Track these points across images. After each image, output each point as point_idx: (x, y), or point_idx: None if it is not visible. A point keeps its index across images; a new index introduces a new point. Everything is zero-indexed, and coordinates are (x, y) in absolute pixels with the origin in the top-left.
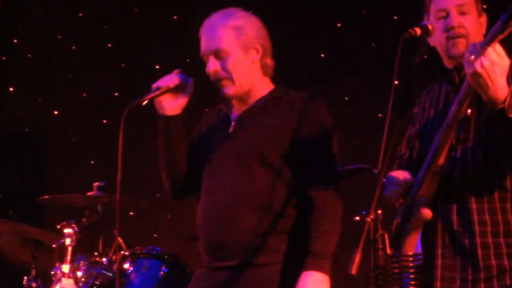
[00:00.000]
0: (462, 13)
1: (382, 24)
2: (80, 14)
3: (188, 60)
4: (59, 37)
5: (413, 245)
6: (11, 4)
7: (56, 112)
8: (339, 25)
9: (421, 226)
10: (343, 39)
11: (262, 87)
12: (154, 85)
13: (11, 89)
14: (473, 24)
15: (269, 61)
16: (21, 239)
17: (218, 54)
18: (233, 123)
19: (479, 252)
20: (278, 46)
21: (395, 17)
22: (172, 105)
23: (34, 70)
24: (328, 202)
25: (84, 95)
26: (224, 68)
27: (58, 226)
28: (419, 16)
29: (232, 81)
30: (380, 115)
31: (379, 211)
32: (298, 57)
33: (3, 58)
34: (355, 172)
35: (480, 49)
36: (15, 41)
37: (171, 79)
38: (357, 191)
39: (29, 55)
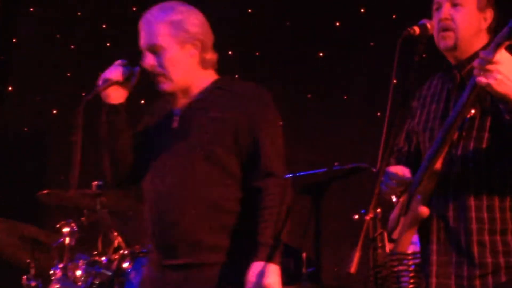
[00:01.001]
0: (454, 5)
1: (381, 23)
2: (79, 13)
3: None
4: (58, 36)
5: (408, 242)
6: (10, 3)
7: (55, 112)
8: (338, 24)
9: (417, 224)
10: (342, 38)
11: (203, 80)
12: (103, 76)
13: (10, 88)
14: (465, 18)
15: (209, 55)
16: (20, 238)
17: (154, 49)
18: (176, 118)
19: (475, 249)
20: (277, 44)
21: (394, 16)
22: (117, 94)
23: (33, 69)
24: (276, 192)
25: (83, 94)
26: (160, 64)
27: (57, 225)
28: (418, 14)
29: (168, 78)
30: (379, 114)
31: (378, 210)
32: (296, 56)
33: (2, 58)
34: (354, 171)
35: (489, 59)
36: (14, 40)
37: (120, 70)
38: (356, 189)
39: (28, 55)
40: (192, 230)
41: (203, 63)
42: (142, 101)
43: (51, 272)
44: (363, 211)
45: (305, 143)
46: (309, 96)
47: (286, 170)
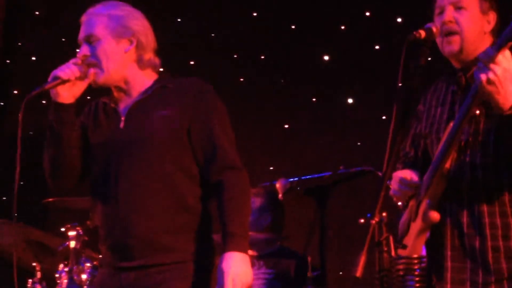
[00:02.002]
0: (458, 8)
1: (386, 26)
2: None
3: (191, 62)
4: (63, 39)
5: (420, 247)
6: (15, 6)
7: None
8: (343, 27)
9: (428, 229)
10: (347, 42)
11: (144, 78)
12: (53, 73)
13: (15, 91)
14: (469, 20)
15: (147, 55)
16: (26, 241)
17: (89, 40)
18: (122, 118)
19: (490, 255)
20: (282, 48)
21: (399, 20)
22: (67, 94)
23: (38, 72)
24: (236, 182)
25: (88, 97)
26: (93, 54)
27: (63, 229)
28: (423, 18)
29: (101, 68)
30: (384, 117)
31: (384, 214)
32: (302, 59)
33: (7, 61)
34: (359, 174)
35: (491, 57)
36: (19, 43)
37: (72, 70)
38: (361, 193)
39: (33, 58)
40: (148, 231)
41: (140, 62)
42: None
43: (57, 275)
44: (368, 215)
45: (310, 146)
46: (314, 99)
47: (239, 157)
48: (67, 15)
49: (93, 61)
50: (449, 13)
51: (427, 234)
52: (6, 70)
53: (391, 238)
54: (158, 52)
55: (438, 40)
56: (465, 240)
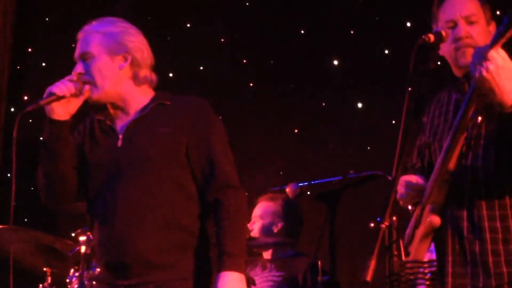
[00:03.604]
0: (470, 23)
1: (396, 31)
2: (94, 23)
3: (201, 68)
4: (73, 45)
5: (423, 252)
6: (25, 13)
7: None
8: (352, 32)
9: (431, 234)
10: (356, 46)
11: (140, 95)
12: (49, 90)
13: (25, 97)
14: (481, 33)
15: (143, 72)
16: (36, 246)
17: (84, 57)
18: (120, 136)
19: (490, 259)
20: (291, 53)
21: (409, 24)
22: (62, 110)
23: (48, 79)
24: (232, 201)
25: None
26: (87, 71)
27: (73, 234)
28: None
29: (95, 85)
30: (394, 121)
31: (394, 218)
32: (311, 64)
33: (18, 67)
34: (369, 178)
35: (484, 54)
36: (29, 50)
37: (67, 87)
38: (372, 197)
39: (43, 64)
40: (144, 249)
41: (136, 79)
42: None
43: (67, 280)
44: (378, 219)
45: (320, 151)
46: (323, 104)
47: (237, 174)
48: (78, 21)
49: (87, 79)
50: (464, 28)
51: (429, 241)
52: (17, 76)
53: (401, 242)
54: (168, 58)
55: (448, 49)
56: (465, 245)
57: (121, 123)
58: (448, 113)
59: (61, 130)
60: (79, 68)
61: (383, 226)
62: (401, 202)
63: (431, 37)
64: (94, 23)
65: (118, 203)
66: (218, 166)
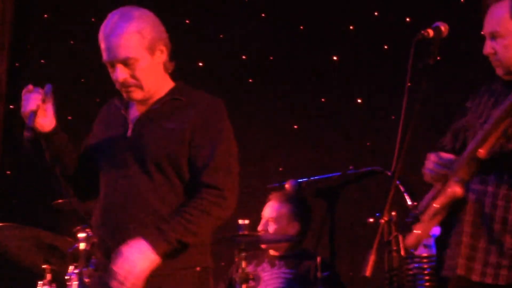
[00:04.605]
0: (494, 38)
1: (395, 26)
2: (93, 19)
3: (200, 64)
4: (72, 42)
5: (430, 228)
6: (23, 10)
7: (69, 118)
8: (351, 27)
9: (446, 210)
10: (355, 42)
11: (163, 85)
12: (27, 111)
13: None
14: (507, 47)
15: (169, 64)
16: (35, 244)
17: (126, 63)
18: (131, 126)
19: (508, 239)
20: (290, 48)
21: (408, 19)
22: (46, 120)
23: (47, 76)
24: (209, 199)
25: (97, 100)
26: (133, 75)
27: (73, 231)
28: (431, 17)
29: (141, 87)
30: (393, 117)
31: (393, 213)
32: (310, 59)
33: (16, 64)
34: (368, 174)
35: None
36: (28, 46)
37: (32, 98)
38: (371, 193)
39: (42, 61)
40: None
41: (166, 66)
42: (97, 99)
43: (67, 277)
44: (378, 214)
45: (319, 147)
46: (322, 100)
47: (233, 185)
48: (76, 18)
49: (133, 82)
50: (488, 45)
51: (440, 218)
52: (16, 73)
53: (400, 238)
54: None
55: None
56: (486, 220)
57: (135, 112)
58: (496, 97)
59: (55, 137)
60: (123, 74)
61: (382, 221)
62: (425, 177)
63: (430, 32)
64: (117, 22)
65: (118, 191)
66: (208, 167)
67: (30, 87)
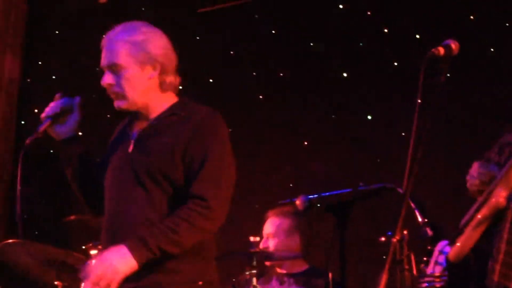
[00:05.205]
0: None
1: (405, 43)
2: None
3: (210, 80)
4: (83, 58)
5: (473, 240)
6: (35, 26)
7: (80, 134)
8: (361, 44)
9: (488, 220)
10: (365, 58)
11: (161, 103)
12: (43, 115)
13: (36, 110)
14: None
15: (169, 78)
16: (47, 260)
17: (113, 68)
18: (132, 142)
19: None
20: (300, 65)
21: (418, 36)
22: (64, 129)
23: (58, 91)
24: (196, 210)
25: (108, 116)
26: (117, 83)
27: (84, 247)
28: (441, 34)
29: (124, 97)
30: (403, 133)
31: (405, 232)
32: (320, 76)
33: (28, 80)
34: (379, 191)
35: None
36: (39, 62)
37: (55, 106)
38: (381, 209)
39: (53, 77)
40: None
41: (162, 86)
42: (108, 115)
43: None
44: (389, 233)
45: (329, 163)
46: (333, 116)
47: (221, 196)
48: (87, 34)
49: (117, 90)
50: None
51: (482, 229)
52: (27, 89)
53: (412, 256)
54: (178, 70)
55: None
56: None
57: (138, 128)
58: None
59: (70, 147)
60: (108, 79)
61: (394, 240)
62: (468, 184)
63: (441, 50)
64: (118, 30)
65: (119, 206)
66: (199, 179)
67: (58, 95)
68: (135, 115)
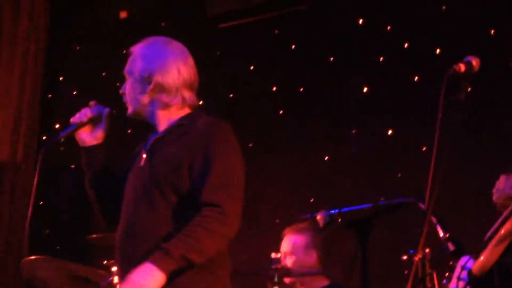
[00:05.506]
0: None
1: (425, 57)
2: (124, 51)
3: (231, 95)
4: (104, 74)
5: (495, 255)
6: (56, 42)
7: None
8: (381, 59)
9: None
10: (386, 73)
11: (170, 116)
12: (71, 120)
13: (57, 126)
14: None
15: (168, 97)
16: (70, 277)
17: (125, 76)
18: (143, 156)
19: None
20: (321, 80)
21: (438, 51)
22: (89, 137)
23: (79, 107)
24: (211, 216)
25: (129, 131)
26: (124, 89)
27: (105, 262)
28: (461, 49)
29: (127, 103)
30: (424, 148)
31: (427, 250)
32: (340, 91)
33: (49, 96)
34: (400, 206)
35: None
36: (60, 78)
37: (85, 113)
38: (403, 224)
39: (74, 92)
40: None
41: (160, 102)
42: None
43: None
44: (411, 251)
45: (350, 178)
46: (353, 131)
47: (233, 201)
48: (108, 50)
49: (124, 95)
50: None
51: (505, 244)
52: (49, 105)
53: (434, 275)
54: (198, 86)
55: None
56: None
57: (149, 142)
58: None
59: (93, 155)
60: (123, 87)
61: (416, 259)
62: (495, 198)
63: (462, 66)
64: (139, 43)
65: (129, 219)
66: (208, 186)
67: (92, 103)
68: (152, 130)
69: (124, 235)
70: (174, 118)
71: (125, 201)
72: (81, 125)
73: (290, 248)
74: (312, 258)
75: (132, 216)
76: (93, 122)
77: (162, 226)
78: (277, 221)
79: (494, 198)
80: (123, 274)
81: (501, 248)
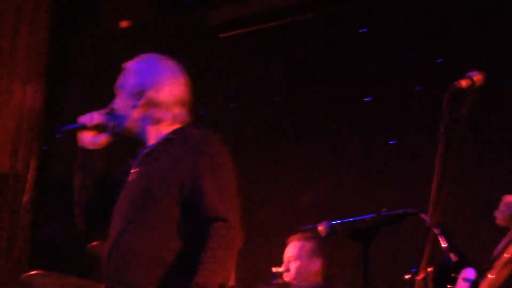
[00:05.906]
0: None
1: (427, 67)
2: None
3: (232, 105)
4: (105, 83)
5: (503, 277)
6: (58, 56)
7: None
8: (384, 69)
9: None
10: (388, 83)
11: (158, 131)
12: (79, 119)
13: (57, 136)
14: None
15: (160, 113)
16: None
17: (116, 91)
18: (132, 170)
19: None
20: (323, 90)
21: (440, 60)
22: (90, 140)
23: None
24: (222, 234)
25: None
26: (115, 104)
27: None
28: (464, 58)
29: (118, 120)
30: (427, 158)
31: (429, 269)
32: (343, 101)
33: (50, 106)
34: (402, 216)
35: None
36: (61, 89)
37: (94, 117)
38: (405, 235)
39: (75, 103)
40: (134, 283)
41: (151, 118)
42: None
43: None
44: (414, 270)
45: (353, 188)
46: (356, 141)
47: (236, 214)
48: (110, 64)
49: (114, 110)
50: None
51: (511, 267)
52: (51, 117)
53: None
54: (199, 96)
55: None
56: None
57: (138, 158)
58: None
59: (89, 159)
60: (113, 102)
61: (419, 278)
62: (497, 220)
63: (463, 82)
64: (133, 59)
65: (117, 234)
66: (208, 200)
67: (108, 109)
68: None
69: (113, 249)
70: (163, 133)
71: (114, 215)
72: (86, 128)
73: (296, 253)
74: (316, 265)
75: (121, 229)
76: (99, 129)
77: (151, 240)
78: (279, 230)
79: (497, 221)
80: (110, 285)
81: (506, 272)
